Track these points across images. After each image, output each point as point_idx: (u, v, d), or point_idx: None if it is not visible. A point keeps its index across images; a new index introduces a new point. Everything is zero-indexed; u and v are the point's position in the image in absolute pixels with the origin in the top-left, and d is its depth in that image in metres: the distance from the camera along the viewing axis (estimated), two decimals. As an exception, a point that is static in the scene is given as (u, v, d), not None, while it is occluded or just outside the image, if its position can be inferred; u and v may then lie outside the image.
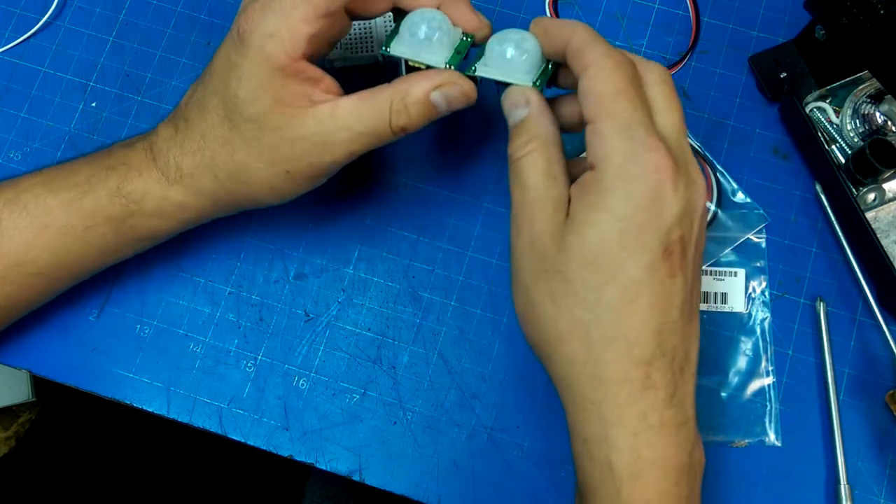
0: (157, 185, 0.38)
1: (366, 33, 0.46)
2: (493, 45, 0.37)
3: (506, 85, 0.36)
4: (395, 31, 0.38)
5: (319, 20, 0.35)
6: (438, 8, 0.38)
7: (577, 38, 0.33)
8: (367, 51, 0.46)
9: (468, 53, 0.38)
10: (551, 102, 0.36)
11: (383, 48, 0.38)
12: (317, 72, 0.37)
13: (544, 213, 0.32)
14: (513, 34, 0.37)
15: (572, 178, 0.34)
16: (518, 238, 0.34)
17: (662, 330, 0.31)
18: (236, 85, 0.36)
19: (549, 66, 0.37)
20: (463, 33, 0.38)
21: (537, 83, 0.36)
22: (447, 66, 0.37)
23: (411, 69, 0.38)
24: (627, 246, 0.30)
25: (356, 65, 0.47)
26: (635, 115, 0.31)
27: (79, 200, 0.38)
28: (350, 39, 0.46)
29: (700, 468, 0.34)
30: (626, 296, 0.31)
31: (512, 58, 0.36)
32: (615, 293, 0.31)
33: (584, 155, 0.33)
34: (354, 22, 0.41)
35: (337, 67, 0.47)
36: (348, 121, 0.36)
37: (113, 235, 0.39)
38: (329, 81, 0.37)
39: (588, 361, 0.32)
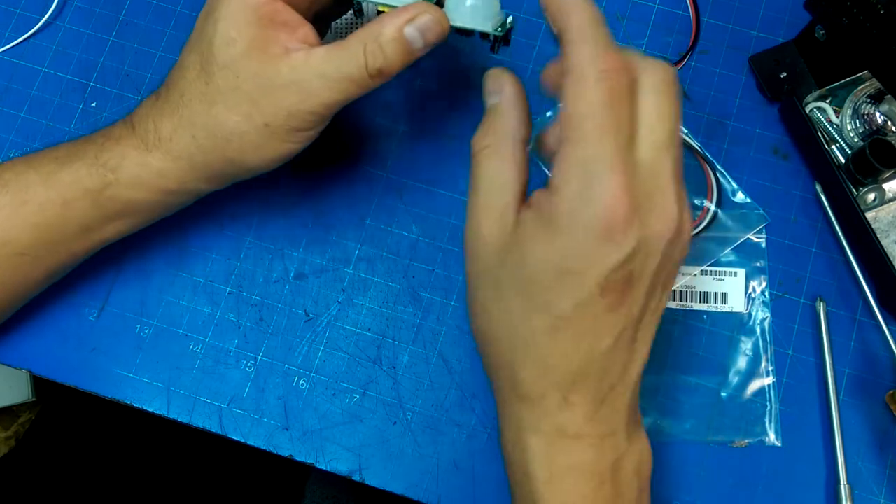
0: (134, 151, 0.38)
1: (357, 20, 0.47)
2: None
3: (465, 32, 0.36)
4: None
5: None
6: None
7: (570, 32, 0.30)
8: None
9: None
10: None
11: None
12: (294, 16, 0.36)
13: (490, 219, 0.32)
14: None
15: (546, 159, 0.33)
16: (466, 233, 0.33)
17: (589, 360, 0.30)
18: (212, 31, 0.36)
19: (510, 20, 0.36)
20: None
21: (498, 29, 0.36)
22: None
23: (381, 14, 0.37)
24: (563, 282, 0.29)
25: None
26: (601, 146, 0.29)
27: (57, 173, 0.38)
28: (341, 25, 0.46)
29: (633, 470, 0.33)
30: (553, 326, 0.30)
31: (472, 5, 0.36)
32: (542, 323, 0.30)
33: (551, 127, 0.32)
34: (346, 11, 0.41)
35: None
36: (323, 68, 0.35)
37: (92, 209, 0.39)
38: (307, 30, 0.37)
39: (510, 374, 0.32)
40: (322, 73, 0.35)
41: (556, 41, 0.32)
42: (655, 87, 0.31)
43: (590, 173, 0.29)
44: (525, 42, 0.49)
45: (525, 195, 0.32)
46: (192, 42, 0.37)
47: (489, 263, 0.32)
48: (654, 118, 0.30)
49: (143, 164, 0.38)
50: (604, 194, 0.28)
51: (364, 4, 0.37)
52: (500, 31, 0.36)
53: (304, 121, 0.36)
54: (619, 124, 0.29)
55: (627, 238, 0.29)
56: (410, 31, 0.35)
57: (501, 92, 0.33)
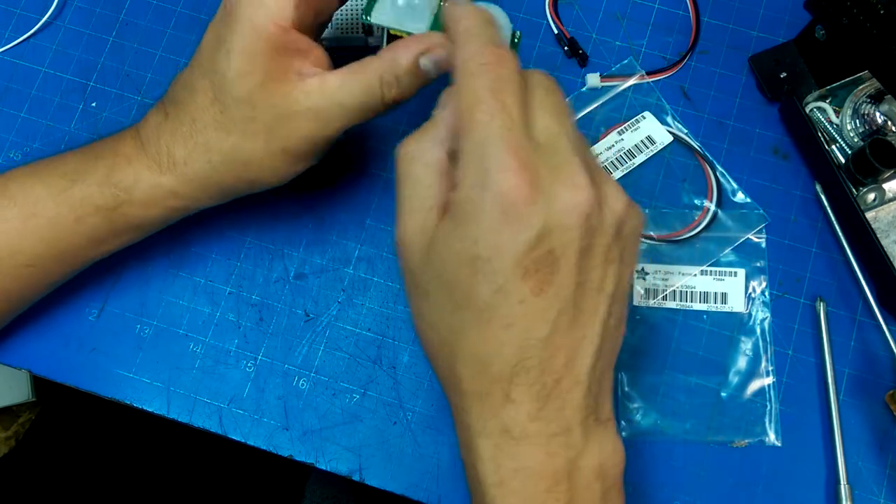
0: (147, 172, 0.38)
1: (357, 15, 0.47)
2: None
3: (396, 36, 0.37)
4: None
5: None
6: None
7: (457, 35, 0.31)
8: (357, 32, 0.47)
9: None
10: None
11: (364, 16, 0.37)
12: (305, 42, 0.36)
13: (413, 226, 0.31)
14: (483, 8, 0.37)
15: None
16: (396, 244, 0.33)
17: (525, 347, 0.29)
18: (225, 62, 0.35)
19: (516, 40, 0.37)
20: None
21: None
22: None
23: (393, 38, 0.38)
24: (479, 270, 0.29)
25: (347, 46, 0.47)
26: (491, 128, 0.29)
27: (68, 190, 0.38)
28: (341, 21, 0.47)
29: (601, 474, 0.32)
30: (480, 318, 0.30)
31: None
32: (469, 315, 0.30)
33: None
34: (346, 4, 0.41)
35: (326, 48, 0.48)
36: (339, 96, 0.36)
37: (104, 225, 0.39)
38: (319, 53, 0.37)
39: (452, 375, 0.31)
40: (338, 102, 0.36)
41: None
42: (541, 83, 0.31)
43: (483, 156, 0.29)
44: (525, 42, 0.49)
45: (448, 202, 0.32)
46: (203, 67, 0.37)
47: (416, 268, 0.32)
48: (544, 106, 0.31)
49: (157, 185, 0.38)
50: (498, 175, 0.28)
51: (382, 29, 0.38)
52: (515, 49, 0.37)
53: (319, 144, 0.37)
54: (505, 107, 0.29)
55: (534, 215, 0.28)
56: (425, 63, 0.36)
57: (442, 104, 0.33)
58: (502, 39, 0.32)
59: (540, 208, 0.28)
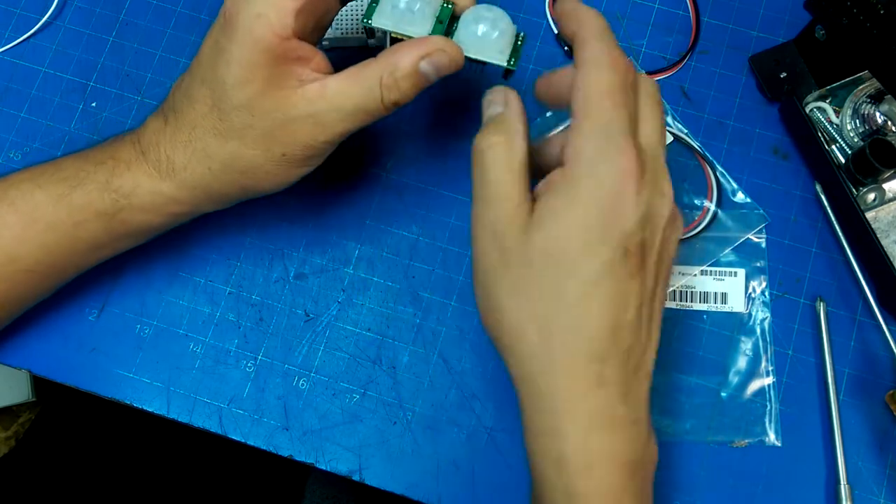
0: (147, 178, 0.38)
1: (357, 16, 0.47)
2: (467, 21, 0.37)
3: (479, 62, 0.37)
4: (375, 1, 0.37)
5: None
6: None
7: (584, 30, 0.33)
8: (357, 32, 0.47)
9: (451, 21, 0.38)
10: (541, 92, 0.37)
11: (364, 19, 0.37)
12: (305, 49, 0.36)
13: (507, 208, 0.33)
14: (486, 11, 0.37)
15: (542, 169, 0.34)
16: (480, 231, 0.34)
17: (618, 328, 0.31)
18: (224, 70, 0.35)
19: (520, 42, 0.37)
20: (444, 0, 0.38)
21: (511, 62, 0.37)
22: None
23: (395, 40, 0.37)
24: (589, 243, 0.31)
25: (348, 46, 0.47)
26: (616, 117, 0.31)
27: (67, 195, 0.38)
28: (341, 20, 0.47)
29: (652, 466, 0.34)
30: (585, 292, 0.31)
31: (485, 35, 0.36)
32: (574, 288, 0.31)
33: (552, 135, 0.34)
34: (347, 5, 0.41)
35: (326, 48, 0.48)
36: (338, 101, 0.36)
37: (104, 230, 0.39)
38: (320, 59, 0.37)
39: (544, 355, 0.32)
40: (338, 107, 0.36)
41: (563, 46, 0.33)
42: (648, 92, 0.34)
43: (607, 138, 0.31)
44: (526, 42, 0.49)
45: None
46: (201, 73, 0.37)
47: (510, 248, 0.32)
48: (648, 115, 0.33)
49: (157, 191, 0.38)
50: (620, 155, 0.31)
51: (384, 33, 0.38)
52: (514, 65, 0.37)
53: (319, 149, 0.37)
54: (629, 107, 0.32)
55: (641, 199, 0.31)
56: (425, 67, 0.36)
57: (507, 104, 0.35)
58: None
59: (643, 199, 0.31)
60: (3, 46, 0.50)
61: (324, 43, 0.47)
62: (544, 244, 0.32)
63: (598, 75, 0.32)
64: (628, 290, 0.32)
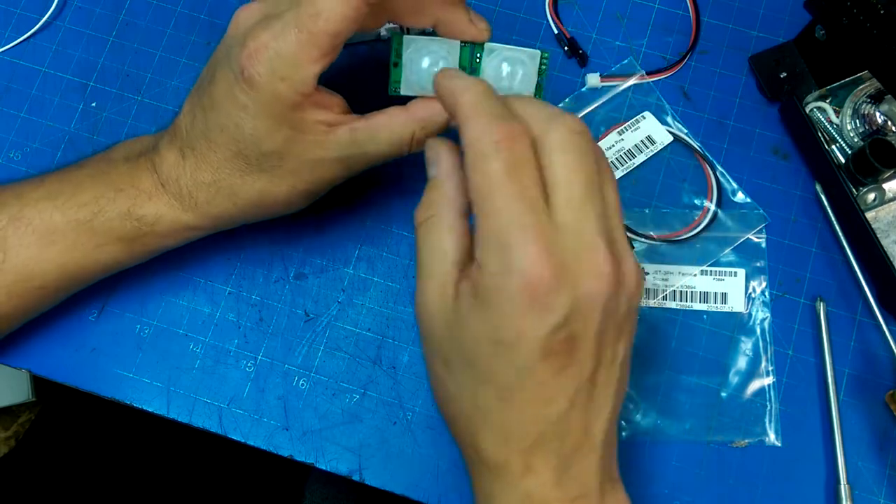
0: (169, 209, 0.38)
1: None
2: (489, 66, 0.38)
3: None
4: (397, 66, 0.38)
5: (326, 57, 0.35)
6: (435, 25, 0.38)
7: (461, 110, 0.31)
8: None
9: (471, 59, 0.38)
10: None
11: (391, 90, 0.38)
12: (327, 97, 0.37)
13: (433, 295, 0.32)
14: (509, 56, 0.38)
15: None
16: (416, 310, 0.33)
17: (545, 422, 0.30)
18: (250, 125, 0.35)
19: (544, 68, 0.37)
20: (462, 44, 0.38)
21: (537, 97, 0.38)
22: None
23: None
24: (501, 354, 0.29)
25: (362, 42, 0.48)
26: (510, 214, 0.29)
27: (89, 222, 0.38)
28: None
29: None
30: (502, 396, 0.30)
31: (509, 76, 0.37)
32: (490, 392, 0.30)
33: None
34: None
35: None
36: (367, 146, 0.37)
37: (123, 252, 0.40)
38: (339, 101, 0.37)
39: (471, 444, 0.32)
40: (366, 152, 0.37)
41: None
42: (561, 144, 0.30)
43: (505, 244, 0.29)
44: (526, 42, 0.49)
45: (468, 262, 0.32)
46: (219, 120, 0.36)
47: (437, 337, 0.32)
48: (566, 175, 0.30)
49: (179, 221, 0.39)
50: (522, 263, 0.28)
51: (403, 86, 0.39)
52: (540, 96, 0.38)
53: (340, 181, 0.39)
54: (525, 190, 0.29)
55: (558, 301, 0.28)
56: (455, 122, 0.36)
57: (438, 163, 0.34)
58: (502, 106, 0.31)
59: (563, 295, 0.28)
60: (3, 46, 0.50)
61: None
62: (461, 345, 0.31)
63: (481, 167, 0.29)
64: (557, 385, 0.30)
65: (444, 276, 0.31)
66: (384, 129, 0.37)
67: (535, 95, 0.38)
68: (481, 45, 0.38)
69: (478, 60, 0.38)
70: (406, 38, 0.37)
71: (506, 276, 0.29)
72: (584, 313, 0.29)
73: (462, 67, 0.38)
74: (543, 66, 0.38)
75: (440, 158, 0.34)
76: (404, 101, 0.38)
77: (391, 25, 0.42)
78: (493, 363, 0.30)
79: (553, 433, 0.30)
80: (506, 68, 0.38)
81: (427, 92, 0.38)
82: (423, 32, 0.39)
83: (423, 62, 0.37)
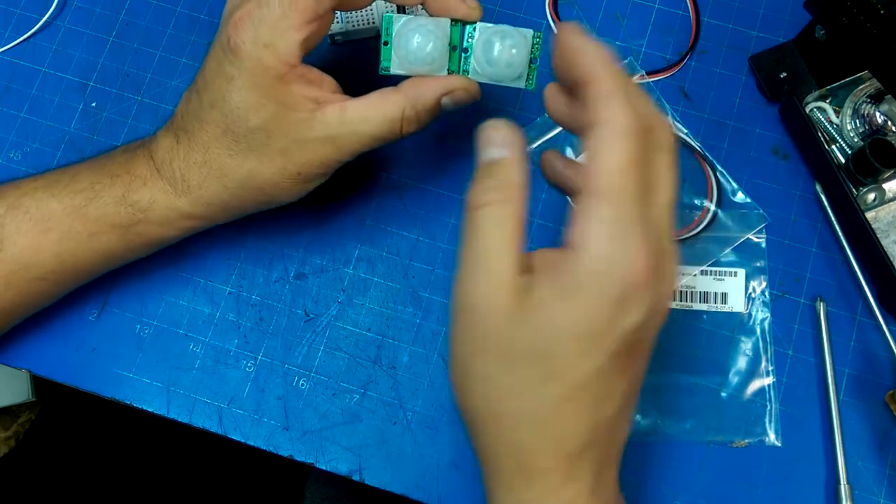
0: (163, 195, 0.38)
1: (366, 8, 0.47)
2: (482, 46, 0.37)
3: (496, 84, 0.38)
4: (387, 45, 0.38)
5: (310, 25, 0.35)
6: (425, 3, 0.38)
7: (598, 81, 0.29)
8: (368, 24, 0.47)
9: (462, 38, 0.38)
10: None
11: (381, 69, 0.38)
12: (316, 74, 0.37)
13: (494, 284, 0.29)
14: (499, 34, 0.37)
15: (564, 188, 0.33)
16: (462, 301, 0.30)
17: (598, 426, 0.29)
18: (236, 97, 0.35)
19: (537, 63, 0.37)
20: (451, 22, 0.38)
21: (529, 82, 0.37)
22: (449, 71, 0.38)
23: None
24: (583, 347, 0.28)
25: (360, 38, 0.48)
26: (634, 206, 0.28)
27: (83, 207, 0.38)
28: (351, 14, 0.47)
29: None
30: (569, 395, 0.29)
31: (500, 58, 0.37)
32: (557, 390, 0.29)
33: (578, 160, 0.31)
34: None
35: (339, 42, 0.48)
36: (357, 125, 0.36)
37: (118, 241, 0.39)
38: (329, 80, 0.38)
39: (515, 449, 0.30)
40: (356, 131, 0.36)
41: (561, 85, 0.32)
42: (667, 145, 0.30)
43: (623, 235, 0.27)
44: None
45: (522, 255, 0.30)
46: (210, 97, 0.36)
47: (492, 329, 0.29)
48: (665, 177, 0.30)
49: (172, 207, 0.39)
50: (632, 256, 0.27)
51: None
52: (532, 84, 0.38)
53: (333, 167, 0.38)
54: (644, 185, 0.28)
55: (646, 301, 0.28)
56: (447, 101, 0.37)
57: (509, 146, 0.31)
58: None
59: (650, 295, 0.28)
60: (3, 46, 0.50)
61: (336, 38, 0.48)
62: (531, 338, 0.28)
63: (617, 147, 0.28)
64: (616, 387, 0.29)
65: (504, 269, 0.29)
66: (374, 108, 0.36)
67: (528, 75, 0.38)
68: (473, 23, 0.38)
69: (470, 40, 0.38)
70: (395, 16, 0.37)
71: (613, 265, 0.27)
72: (657, 316, 0.29)
73: (453, 47, 0.38)
74: (537, 46, 0.38)
75: (508, 139, 0.31)
76: (396, 81, 0.38)
77: (386, 8, 0.42)
78: (571, 359, 0.28)
79: (601, 438, 0.30)
80: (497, 47, 0.37)
81: (418, 71, 0.38)
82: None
83: (413, 41, 0.37)
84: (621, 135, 0.28)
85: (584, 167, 0.29)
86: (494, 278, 0.29)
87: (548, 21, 0.49)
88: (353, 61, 0.48)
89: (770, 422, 0.43)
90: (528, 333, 0.29)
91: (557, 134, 0.47)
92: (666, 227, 0.30)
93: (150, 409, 0.44)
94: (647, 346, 0.30)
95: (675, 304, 0.45)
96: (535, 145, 0.47)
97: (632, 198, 0.28)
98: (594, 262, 0.28)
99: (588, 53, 0.30)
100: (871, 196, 0.45)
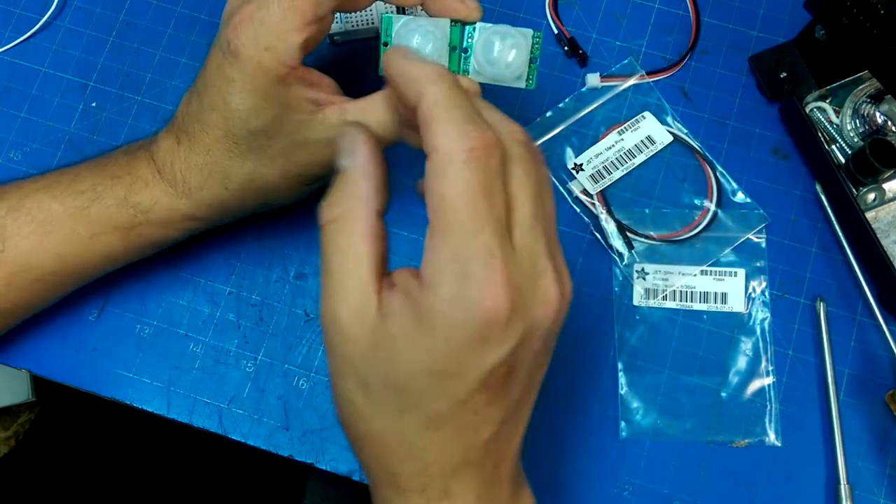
0: (165, 196, 0.38)
1: (366, 9, 0.47)
2: (480, 44, 0.37)
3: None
4: (387, 45, 0.37)
5: (309, 27, 0.35)
6: (425, 4, 0.37)
7: (426, 103, 0.27)
8: (367, 24, 0.47)
9: (462, 39, 0.38)
10: None
11: (381, 70, 0.38)
12: (316, 76, 0.37)
13: (347, 309, 0.28)
14: (500, 33, 0.37)
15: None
16: (323, 323, 0.29)
17: (470, 449, 0.29)
18: (236, 99, 0.35)
19: (537, 63, 0.37)
20: (451, 22, 0.38)
21: (529, 82, 0.37)
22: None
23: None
24: (439, 384, 0.27)
25: (359, 38, 0.48)
26: (478, 239, 0.26)
27: (85, 209, 0.38)
28: (350, 14, 0.47)
29: None
30: (429, 426, 0.28)
31: (500, 58, 0.37)
32: (417, 420, 0.28)
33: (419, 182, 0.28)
34: None
35: (338, 43, 0.48)
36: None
37: (120, 243, 0.39)
38: (329, 82, 0.38)
39: (385, 469, 0.30)
40: None
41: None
42: (518, 155, 0.28)
43: (466, 273, 0.26)
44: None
45: (384, 271, 0.29)
46: (211, 100, 0.36)
47: (351, 357, 0.28)
48: (524, 192, 0.28)
49: (174, 208, 0.39)
50: (483, 296, 0.26)
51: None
52: (532, 83, 0.37)
53: (333, 168, 0.37)
54: (494, 210, 0.26)
55: (508, 336, 0.26)
56: None
57: (354, 154, 0.30)
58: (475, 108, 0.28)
59: (516, 328, 0.27)
60: (3, 46, 0.50)
61: (335, 38, 0.48)
62: (386, 371, 0.27)
63: (450, 177, 0.26)
64: (487, 415, 0.28)
65: (361, 287, 0.28)
66: (374, 110, 0.36)
67: (528, 75, 0.38)
68: (472, 24, 0.38)
69: (469, 40, 0.38)
70: (395, 17, 0.37)
71: (462, 306, 0.26)
72: (528, 343, 0.27)
73: (453, 47, 0.38)
74: (536, 46, 0.38)
75: (356, 147, 0.30)
76: None
77: (385, 9, 0.42)
78: (428, 392, 0.27)
79: (478, 458, 0.29)
80: (497, 47, 0.37)
81: None
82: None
83: (413, 42, 0.37)
84: (452, 162, 0.26)
85: (426, 195, 0.27)
86: (351, 300, 0.28)
87: (548, 21, 0.49)
88: (352, 61, 0.48)
89: (770, 422, 0.43)
90: (383, 367, 0.28)
91: (557, 134, 0.47)
92: (534, 246, 0.27)
93: (150, 410, 0.44)
94: (523, 371, 0.28)
95: (675, 304, 0.45)
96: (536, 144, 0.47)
97: (479, 232, 0.26)
98: (443, 303, 0.26)
99: (411, 75, 0.28)
100: (871, 196, 0.45)
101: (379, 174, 0.29)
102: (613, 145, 0.47)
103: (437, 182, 0.26)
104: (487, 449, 0.29)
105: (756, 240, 0.46)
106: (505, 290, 0.26)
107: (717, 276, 0.45)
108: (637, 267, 0.45)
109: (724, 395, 0.44)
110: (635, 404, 0.44)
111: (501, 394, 0.28)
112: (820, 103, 0.46)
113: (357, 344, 0.28)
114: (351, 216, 0.28)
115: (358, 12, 0.47)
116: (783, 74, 0.47)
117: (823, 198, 0.45)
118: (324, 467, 0.43)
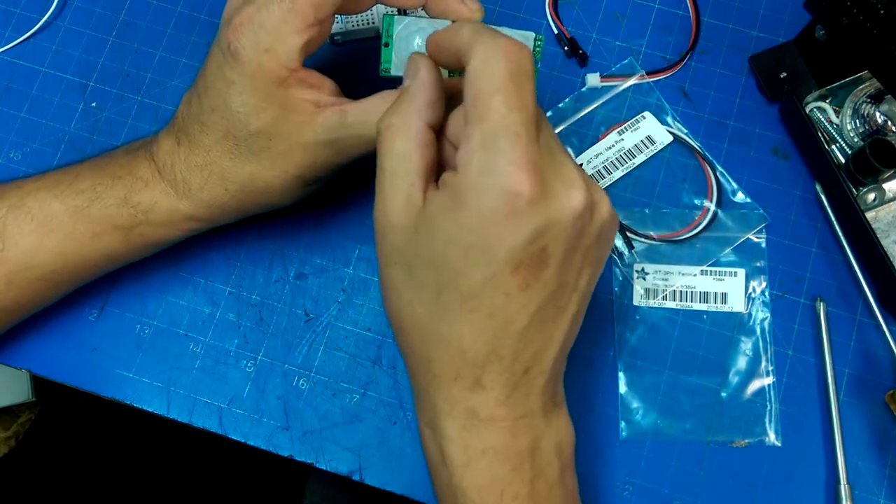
0: (165, 197, 0.38)
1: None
2: None
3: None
4: (388, 46, 0.38)
5: (310, 29, 0.35)
6: (426, 5, 0.37)
7: (463, 35, 0.31)
8: (368, 24, 0.47)
9: None
10: None
11: (382, 71, 0.38)
12: (316, 78, 0.37)
13: (396, 202, 0.31)
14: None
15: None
16: (375, 213, 0.32)
17: (501, 337, 0.30)
18: (237, 101, 0.36)
19: (538, 65, 0.37)
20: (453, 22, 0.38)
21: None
22: (450, 74, 0.38)
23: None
24: (472, 258, 0.29)
25: (360, 38, 0.48)
26: (506, 121, 0.29)
27: (86, 208, 0.38)
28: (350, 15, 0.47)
29: (564, 447, 0.34)
30: (464, 305, 0.30)
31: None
32: (453, 299, 0.30)
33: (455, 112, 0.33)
34: None
35: (339, 43, 0.48)
36: (358, 129, 0.36)
37: (120, 243, 0.40)
38: (329, 83, 0.38)
39: (423, 355, 0.32)
40: (357, 135, 0.37)
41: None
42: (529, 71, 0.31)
43: (494, 149, 0.28)
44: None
45: (432, 176, 0.32)
46: (211, 101, 0.37)
47: (398, 244, 0.31)
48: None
49: (174, 209, 0.39)
50: (509, 168, 0.28)
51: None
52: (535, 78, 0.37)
53: (333, 169, 0.38)
54: (523, 101, 0.29)
55: (536, 214, 0.29)
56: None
57: (416, 75, 0.33)
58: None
59: (540, 210, 0.29)
60: (3, 46, 0.50)
61: (336, 38, 0.48)
62: (428, 250, 0.30)
63: (486, 69, 0.29)
64: (520, 301, 0.30)
65: (411, 183, 0.31)
66: (374, 112, 0.36)
67: None
68: None
69: None
70: (396, 17, 0.37)
71: (490, 177, 0.28)
72: (556, 232, 0.29)
73: None
74: (538, 48, 0.38)
75: (419, 69, 0.33)
76: (396, 82, 0.38)
77: (386, 10, 0.42)
78: (463, 267, 0.29)
79: (509, 350, 0.31)
80: None
81: None
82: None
83: (414, 42, 0.37)
84: (490, 58, 0.29)
85: (465, 98, 0.30)
86: (400, 196, 0.31)
87: (548, 21, 0.49)
88: (352, 61, 0.48)
89: (770, 422, 0.43)
90: (424, 248, 0.30)
91: (557, 134, 0.47)
92: (558, 152, 0.31)
93: (150, 409, 0.44)
94: (557, 261, 0.30)
95: (675, 304, 0.45)
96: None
97: (505, 115, 0.29)
98: (473, 176, 0.29)
99: (454, 31, 0.32)
100: (871, 196, 0.45)
101: (434, 94, 0.32)
102: (613, 145, 0.47)
103: (473, 80, 0.29)
104: (519, 343, 0.31)
105: (756, 240, 0.46)
106: (529, 166, 0.28)
107: (717, 276, 0.45)
108: (637, 267, 0.45)
109: (724, 395, 0.44)
110: (635, 404, 0.44)
111: (535, 280, 0.30)
112: (820, 103, 0.46)
113: (404, 232, 0.31)
114: (406, 124, 0.32)
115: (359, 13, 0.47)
116: (783, 74, 0.47)
117: (823, 198, 0.45)
118: (324, 467, 0.43)
